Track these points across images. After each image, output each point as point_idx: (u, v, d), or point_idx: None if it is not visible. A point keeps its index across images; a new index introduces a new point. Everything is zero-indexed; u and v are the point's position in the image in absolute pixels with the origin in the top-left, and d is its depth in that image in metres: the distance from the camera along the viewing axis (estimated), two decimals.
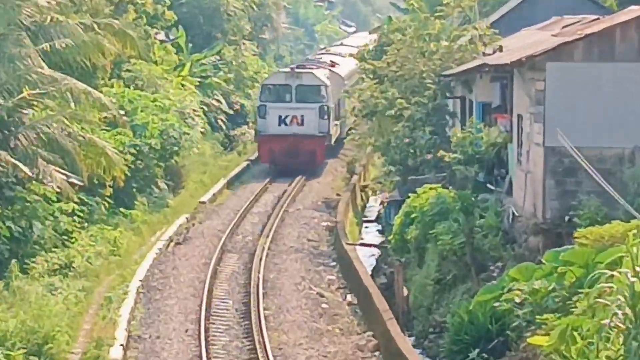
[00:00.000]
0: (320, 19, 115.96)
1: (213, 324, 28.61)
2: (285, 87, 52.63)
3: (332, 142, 58.22)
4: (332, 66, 60.67)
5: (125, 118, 39.50)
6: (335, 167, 60.22)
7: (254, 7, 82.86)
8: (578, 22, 33.89)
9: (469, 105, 38.32)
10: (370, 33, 67.36)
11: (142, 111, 43.14)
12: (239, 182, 54.73)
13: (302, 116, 51.85)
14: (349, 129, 54.19)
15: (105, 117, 36.84)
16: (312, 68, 58.17)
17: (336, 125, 60.06)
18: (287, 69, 55.07)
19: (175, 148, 45.75)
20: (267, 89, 53.96)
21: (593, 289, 21.09)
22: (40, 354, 24.53)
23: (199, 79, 61.54)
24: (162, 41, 58.63)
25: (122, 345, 26.48)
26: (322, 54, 75.22)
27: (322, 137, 52.70)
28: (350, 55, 59.65)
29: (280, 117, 52.37)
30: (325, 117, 52.71)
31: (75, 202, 34.98)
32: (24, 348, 24.27)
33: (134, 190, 41.41)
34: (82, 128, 33.49)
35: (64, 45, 33.99)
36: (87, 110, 34.04)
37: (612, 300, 19.86)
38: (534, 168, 29.19)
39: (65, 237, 34.63)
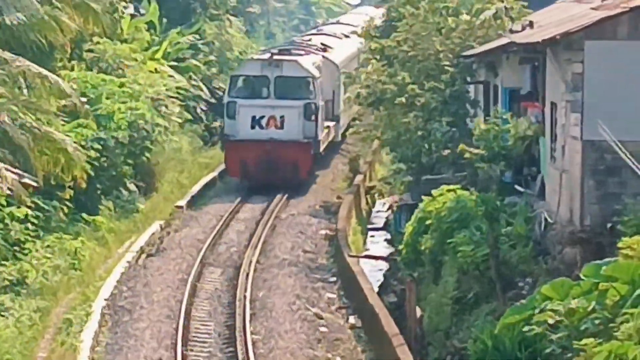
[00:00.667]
0: None
1: (192, 350, 28.63)
2: (262, 80, 44.59)
3: (322, 150, 51.33)
4: (324, 51, 52.62)
5: (87, 107, 39.28)
6: (324, 182, 55.31)
7: None
8: None
9: (494, 92, 38.31)
10: (376, 7, 66.66)
11: (107, 98, 43.06)
12: (223, 182, 54.07)
13: (282, 117, 44.13)
14: (352, 120, 53.72)
15: (65, 106, 36.81)
16: (297, 54, 49.67)
17: (328, 128, 53.60)
18: (264, 56, 46.65)
19: (147, 142, 45.89)
20: (238, 81, 46.17)
21: None
22: None
23: (174, 62, 61.12)
24: (131, 16, 58.31)
25: None
26: (313, 34, 67.35)
27: (307, 143, 44.83)
28: (348, 36, 58.13)
29: (254, 117, 44.67)
30: (313, 118, 44.86)
31: (29, 207, 35.04)
32: None
33: (99, 192, 41.52)
34: (37, 119, 33.33)
35: (15, 21, 34.09)
36: (43, 98, 33.97)
37: None
38: (571, 166, 29.16)
39: (17, 248, 34.68)
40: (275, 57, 45.73)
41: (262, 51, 54.12)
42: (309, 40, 56.50)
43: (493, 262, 29.89)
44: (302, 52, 50.79)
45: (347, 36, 59.53)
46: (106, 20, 45.72)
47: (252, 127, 44.19)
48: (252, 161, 43.64)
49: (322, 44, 53.40)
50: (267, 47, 62.10)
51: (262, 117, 44.15)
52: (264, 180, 44.46)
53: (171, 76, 55.66)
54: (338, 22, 79.13)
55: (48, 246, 35.86)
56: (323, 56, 49.62)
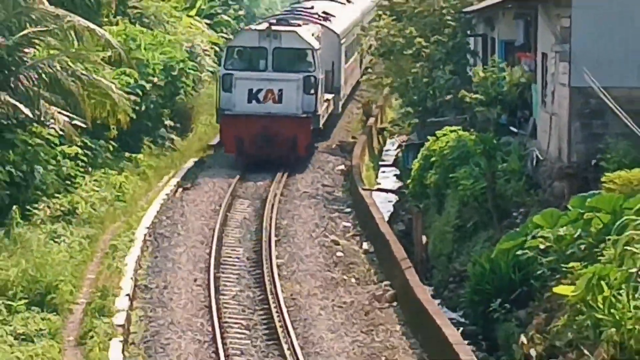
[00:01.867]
0: None
1: (223, 273, 28.74)
2: (259, 51, 38.29)
3: (321, 125, 44.06)
4: (325, 19, 45.48)
5: (130, 58, 39.17)
6: (342, 124, 54.67)
7: None
8: None
9: (491, 44, 38.29)
10: None
11: (145, 49, 42.86)
12: None
13: (280, 90, 37.76)
14: (366, 69, 52.89)
15: (110, 56, 36.66)
16: (297, 24, 42.35)
17: (327, 101, 46.50)
18: (262, 26, 39.57)
19: (181, 86, 45.35)
20: (235, 53, 39.76)
21: (621, 237, 21.15)
22: (42, 304, 24.67)
23: (207, 19, 60.68)
24: None
25: (128, 295, 26.60)
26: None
27: (306, 118, 38.53)
28: (351, 1, 53.50)
29: (251, 91, 38.31)
30: (312, 91, 38.45)
31: (79, 146, 35.23)
32: (25, 298, 24.52)
33: (140, 133, 41.40)
34: (86, 68, 33.38)
35: None
36: (90, 49, 33.94)
37: None
38: (559, 110, 29.19)
39: (68, 182, 34.81)
40: (273, 27, 38.95)
41: (261, 21, 46.52)
42: (311, 8, 48.35)
43: (490, 195, 29.97)
44: (301, 22, 43.30)
45: (350, 1, 54.15)
46: None
47: (249, 101, 38.31)
48: (248, 137, 37.88)
49: (323, 12, 46.16)
50: (265, 17, 53.26)
51: (260, 90, 38.04)
52: (260, 157, 38.62)
53: (204, 31, 55.03)
54: None
55: (95, 180, 36.01)
56: (323, 25, 42.98)
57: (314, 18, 41.78)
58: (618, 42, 27.70)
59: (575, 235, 23.83)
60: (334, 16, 44.48)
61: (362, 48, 50.80)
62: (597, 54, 27.67)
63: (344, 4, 51.90)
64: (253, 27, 38.52)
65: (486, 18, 37.68)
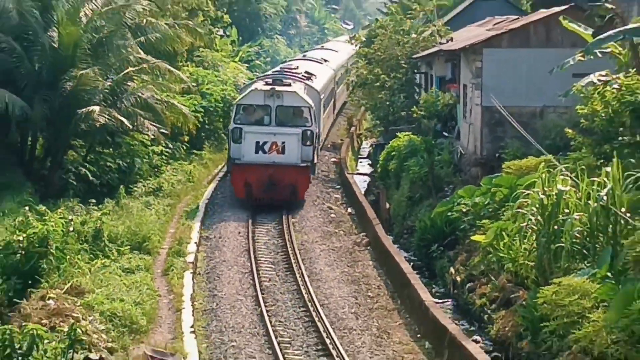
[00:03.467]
0: (328, 19, 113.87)
1: (257, 228, 28.62)
2: (264, 108, 31.51)
3: (315, 173, 35.18)
4: (308, 79, 37.08)
5: (196, 88, 39.41)
6: (333, 131, 53.76)
7: (284, 11, 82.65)
8: (504, 20, 33.91)
9: (430, 78, 38.09)
10: (349, 39, 56.87)
11: (208, 84, 42.57)
12: None
13: (283, 143, 31.08)
14: (350, 92, 51.74)
15: (182, 88, 36.55)
16: (291, 83, 33.91)
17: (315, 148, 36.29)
18: (267, 87, 31.98)
19: (230, 107, 44.85)
20: (243, 109, 32.31)
21: (515, 203, 21.17)
22: (139, 249, 24.76)
23: (246, 63, 60.46)
24: (221, 36, 57.09)
25: (195, 242, 26.72)
26: (300, 59, 49.43)
27: (305, 167, 31.30)
28: (327, 60, 48.19)
29: (258, 143, 31.48)
30: (309, 143, 31.64)
31: (163, 146, 35.18)
32: (128, 245, 24.56)
33: (202, 138, 40.87)
34: (167, 95, 33.22)
35: (154, 38, 33.75)
36: (169, 83, 33.92)
37: (528, 210, 19.96)
38: (474, 121, 29.22)
39: (156, 170, 34.79)
40: (277, 88, 31.76)
41: (262, 77, 38.71)
42: (296, 68, 39.81)
43: (430, 176, 29.86)
44: (291, 82, 34.61)
45: (326, 60, 46.87)
46: (206, 38, 45.39)
47: (256, 152, 31.19)
48: (256, 183, 30.78)
49: (306, 72, 38.27)
50: (265, 74, 43.32)
51: (265, 142, 31.18)
52: (266, 201, 31.18)
53: (244, 71, 54.72)
54: (322, 48, 62.85)
55: (174, 168, 35.77)
56: (306, 84, 35.09)
57: (299, 77, 35.16)
58: (509, 78, 27.84)
59: (485, 203, 23.96)
60: (315, 75, 37.93)
61: (346, 81, 50.03)
62: (498, 84, 27.69)
63: (321, 63, 45.27)
64: (259, 87, 31.92)
65: (427, 62, 37.69)
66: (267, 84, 31.00)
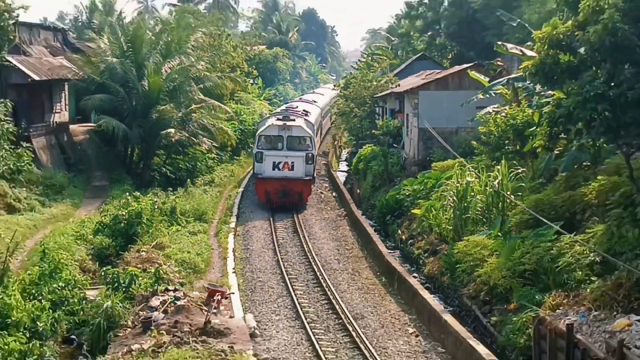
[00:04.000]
0: (320, 73, 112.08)
1: (274, 210, 27.83)
2: (278, 137, 28.89)
3: (315, 183, 32.47)
4: (306, 115, 34.07)
5: (236, 117, 38.69)
6: (323, 145, 52.23)
7: (292, 68, 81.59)
8: (432, 73, 33.36)
9: (385, 110, 37.51)
10: (335, 86, 55.20)
11: (243, 114, 41.95)
12: None
13: (292, 162, 28.67)
14: (333, 121, 51.48)
15: (228, 117, 35.55)
16: (295, 119, 31.19)
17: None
18: (280, 122, 29.43)
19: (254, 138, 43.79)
20: (264, 138, 29.25)
21: (439, 189, 21.06)
22: (200, 219, 24.43)
23: (268, 101, 58.88)
24: (251, 84, 55.54)
25: (235, 215, 26.46)
26: (297, 101, 45.55)
27: (308, 180, 28.96)
28: (316, 101, 45.19)
29: (274, 162, 28.93)
30: (310, 162, 29.17)
31: (215, 154, 34.59)
32: (193, 217, 24.33)
33: (240, 148, 39.90)
34: (217, 121, 32.59)
35: (209, 85, 33.32)
36: (219, 114, 33.38)
37: (447, 193, 19.89)
38: (413, 137, 28.74)
39: (210, 169, 34.19)
40: (287, 123, 29.14)
41: (274, 114, 34.57)
42: (297, 107, 36.92)
43: (385, 172, 29.62)
44: (296, 117, 31.89)
45: (315, 101, 44.02)
46: (242, 85, 44.94)
47: (273, 169, 28.58)
48: (272, 191, 28.20)
49: (304, 110, 35.51)
50: (276, 112, 38.22)
51: (280, 162, 28.57)
52: (280, 203, 28.26)
53: (267, 106, 53.85)
54: (313, 92, 58.64)
55: (222, 168, 35.26)
56: (305, 119, 31.84)
57: (300, 114, 32.76)
58: (435, 109, 27.32)
59: (421, 189, 23.71)
60: (310, 112, 35.14)
61: (330, 114, 49.00)
62: (428, 113, 27.19)
63: (312, 103, 42.19)
64: (274, 123, 29.15)
65: (383, 99, 37.12)
66: (278, 119, 29.30)
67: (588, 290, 12.36)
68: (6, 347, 12.71)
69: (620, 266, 12.07)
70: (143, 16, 56.36)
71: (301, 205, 27.95)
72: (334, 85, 56.27)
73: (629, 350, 9.92)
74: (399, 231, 23.41)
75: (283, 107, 40.18)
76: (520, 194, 17.69)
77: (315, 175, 32.07)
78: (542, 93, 18.98)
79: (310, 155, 28.65)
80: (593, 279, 12.81)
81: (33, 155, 24.61)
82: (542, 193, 16.56)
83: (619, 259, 12.18)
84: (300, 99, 49.66)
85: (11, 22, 25.08)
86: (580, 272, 12.95)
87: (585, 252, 13.21)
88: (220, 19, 52.80)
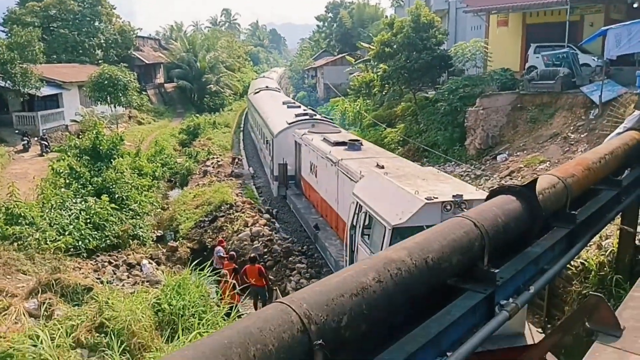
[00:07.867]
0: (279, 59, 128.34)
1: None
2: None
3: None
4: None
5: (240, 80, 52.51)
6: None
7: (266, 58, 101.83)
8: (330, 58, 41.68)
9: (309, 76, 45.77)
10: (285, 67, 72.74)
11: (244, 79, 54.66)
12: None
13: None
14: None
15: (236, 80, 48.51)
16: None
17: None
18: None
19: None
20: None
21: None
22: (227, 126, 33.97)
23: (256, 73, 69.18)
24: (247, 63, 68.98)
25: (242, 124, 34.71)
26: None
27: None
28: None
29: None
30: None
31: (232, 97, 48.34)
32: (223, 125, 33.95)
33: (243, 94, 50.16)
34: (232, 81, 45.27)
35: (228, 64, 48.96)
36: (233, 79, 46.87)
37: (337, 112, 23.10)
38: (321, 88, 37.72)
39: (230, 104, 45.79)
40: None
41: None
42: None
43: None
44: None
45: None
46: (243, 65, 60.19)
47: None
48: None
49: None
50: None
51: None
52: None
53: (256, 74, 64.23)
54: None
55: (237, 104, 46.67)
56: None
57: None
58: (331, 75, 34.08)
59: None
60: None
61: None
62: (329, 77, 35.38)
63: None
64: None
65: (308, 70, 43.96)
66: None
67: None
68: (143, 183, 20.41)
69: (410, 141, 21.46)
70: (195, 31, 74.41)
71: None
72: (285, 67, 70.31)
73: None
74: None
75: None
76: (367, 111, 26.81)
77: None
78: (378, 66, 25.86)
79: None
80: (399, 148, 22.11)
81: (148, 98, 40.24)
82: (377, 111, 26.76)
83: (410, 139, 21.54)
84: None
85: (134, 36, 43.72)
86: (392, 145, 26.14)
87: (396, 137, 24.80)
88: (231, 34, 74.36)
